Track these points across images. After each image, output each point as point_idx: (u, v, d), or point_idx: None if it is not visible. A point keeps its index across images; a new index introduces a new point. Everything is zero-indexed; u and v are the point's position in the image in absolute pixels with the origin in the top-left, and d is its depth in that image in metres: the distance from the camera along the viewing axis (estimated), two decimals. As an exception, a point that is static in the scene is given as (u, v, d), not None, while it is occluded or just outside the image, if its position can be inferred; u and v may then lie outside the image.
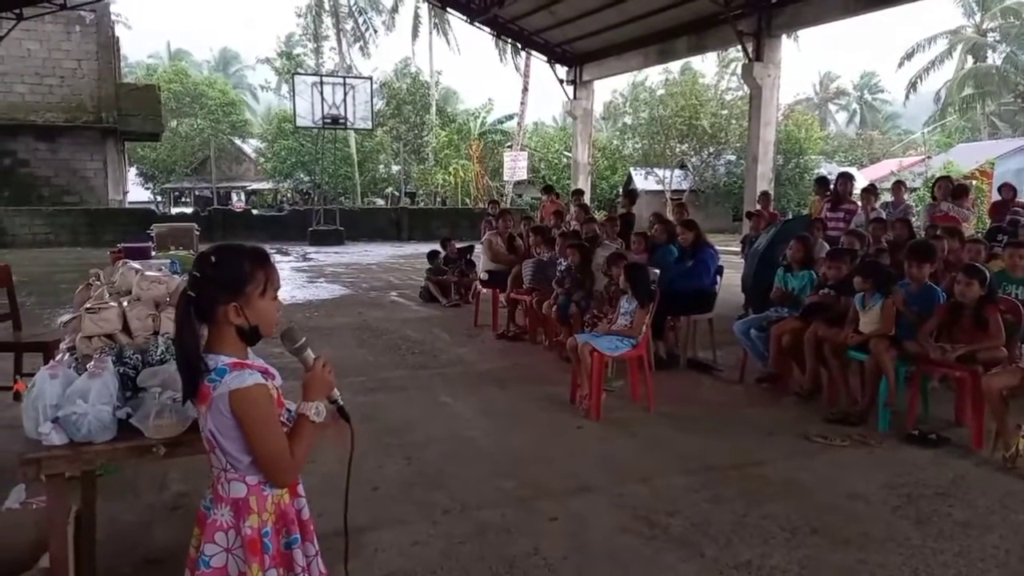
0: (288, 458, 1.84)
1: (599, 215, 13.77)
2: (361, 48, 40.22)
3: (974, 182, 20.41)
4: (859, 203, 9.05)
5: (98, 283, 3.25)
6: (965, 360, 4.66)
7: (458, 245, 11.48)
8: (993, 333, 4.66)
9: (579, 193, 12.15)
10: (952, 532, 3.48)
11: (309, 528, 1.98)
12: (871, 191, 9.05)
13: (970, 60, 41.46)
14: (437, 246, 11.71)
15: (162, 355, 2.43)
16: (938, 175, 15.82)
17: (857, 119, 60.19)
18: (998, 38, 41.15)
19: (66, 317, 2.94)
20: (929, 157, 31.07)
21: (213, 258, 1.84)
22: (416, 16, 38.96)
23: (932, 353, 4.76)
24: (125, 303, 2.79)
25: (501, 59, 35.74)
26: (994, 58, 41.28)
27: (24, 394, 2.22)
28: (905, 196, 9.86)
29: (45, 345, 4.69)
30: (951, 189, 8.75)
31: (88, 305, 2.77)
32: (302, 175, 36.36)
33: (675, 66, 32.71)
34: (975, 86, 39.73)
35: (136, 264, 3.30)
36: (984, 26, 41.68)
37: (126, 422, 2.21)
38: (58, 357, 2.71)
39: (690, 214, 8.58)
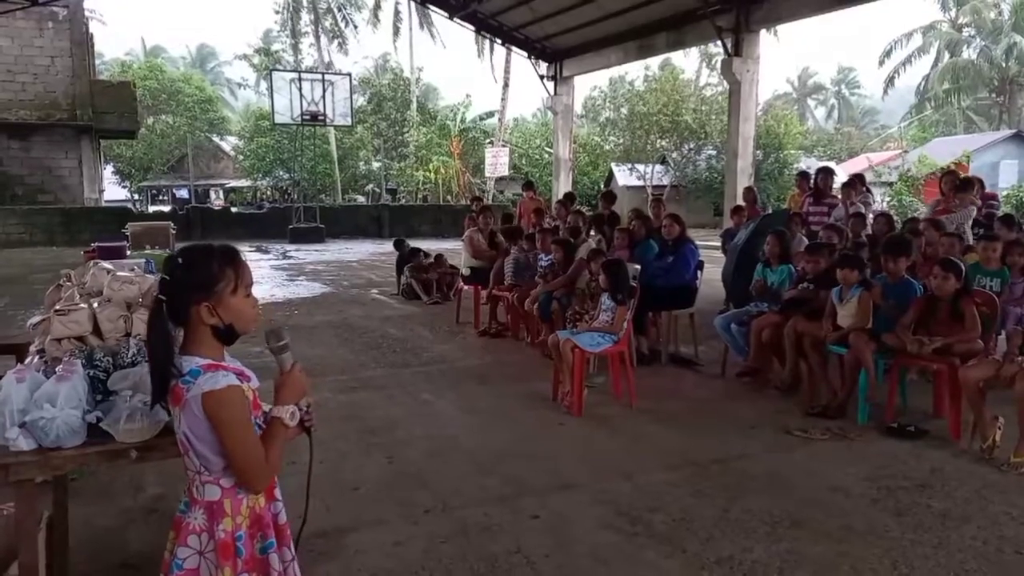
0: (262, 462, 1.82)
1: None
2: (339, 44, 40.00)
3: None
4: (839, 197, 9.08)
5: (69, 284, 3.19)
6: (942, 352, 4.70)
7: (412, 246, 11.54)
8: (969, 326, 4.71)
9: (570, 198, 11.94)
10: (931, 523, 3.51)
11: (286, 533, 1.95)
12: (851, 185, 9.08)
13: (946, 55, 41.97)
14: (404, 241, 11.70)
15: (133, 357, 2.39)
16: (915, 169, 15.89)
17: (836, 114, 60.79)
18: (973, 33, 41.67)
19: (36, 319, 2.88)
20: (906, 151, 31.40)
21: (181, 260, 1.85)
22: (396, 12, 38.81)
23: (910, 346, 4.79)
24: (96, 304, 2.74)
25: (480, 55, 35.73)
26: (969, 53, 41.79)
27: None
28: (864, 190, 9.49)
29: (17, 348, 4.59)
30: (957, 184, 8.28)
31: (58, 307, 2.71)
32: (281, 172, 36.10)
33: (655, 62, 32.82)
34: (951, 81, 40.22)
35: (108, 264, 3.24)
36: (959, 21, 42.19)
37: (96, 426, 2.16)
38: (27, 360, 2.65)
39: (668, 209, 8.57)
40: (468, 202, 19.12)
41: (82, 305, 2.71)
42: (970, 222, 7.54)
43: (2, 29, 20.87)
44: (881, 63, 43.60)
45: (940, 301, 4.83)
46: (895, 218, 9.13)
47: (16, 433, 2.08)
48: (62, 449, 2.12)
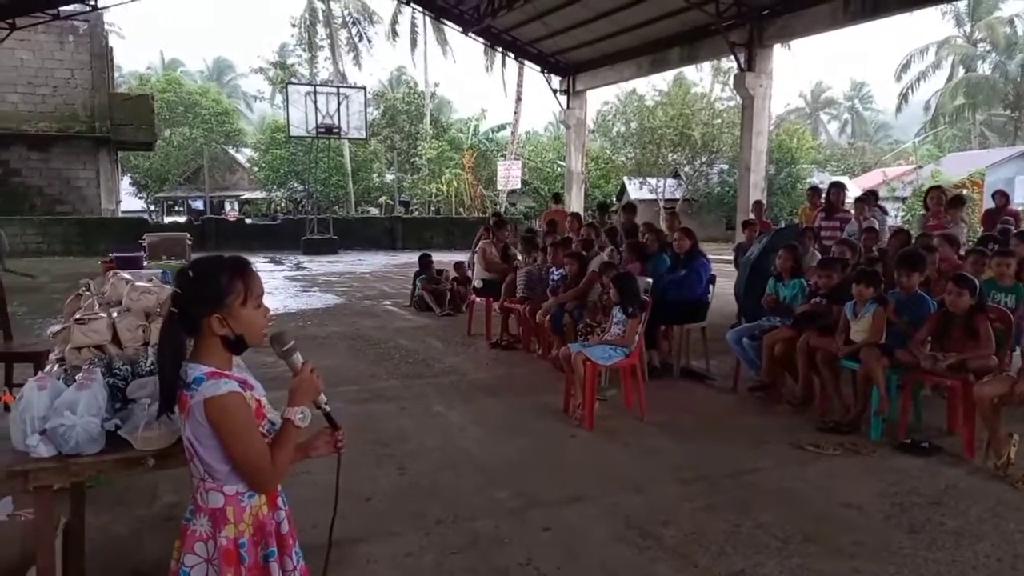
0: (268, 465, 1.84)
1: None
2: (355, 58, 40.34)
3: (964, 191, 20.50)
4: (852, 212, 9.05)
5: (88, 293, 3.24)
6: (956, 369, 4.67)
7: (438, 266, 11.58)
8: (983, 342, 4.68)
9: (603, 207, 12.08)
10: (944, 541, 3.48)
11: (288, 542, 1.96)
12: (864, 200, 9.05)
13: (961, 70, 41.81)
14: (430, 256, 11.73)
15: (151, 366, 2.42)
16: (928, 185, 15.86)
17: (849, 129, 60.60)
18: (988, 48, 41.51)
19: (56, 328, 2.93)
20: (920, 167, 31.26)
21: (191, 272, 1.87)
22: (413, 26, 39.09)
23: (924, 362, 4.77)
24: (115, 314, 2.78)
25: (488, 69, 35.97)
26: (984, 68, 41.62)
27: (12, 405, 2.20)
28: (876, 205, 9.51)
29: (36, 355, 4.67)
30: (946, 200, 8.45)
31: (78, 316, 2.76)
32: (295, 184, 36.35)
33: (668, 76, 32.87)
34: (966, 96, 40.05)
35: (126, 274, 3.29)
36: (974, 36, 42.06)
37: (115, 434, 2.20)
38: (47, 368, 2.69)
39: (682, 223, 8.57)
40: (481, 214, 19.12)
41: (101, 314, 2.76)
42: (961, 239, 7.62)
43: (24, 43, 21.20)
44: (898, 78, 43.55)
45: (954, 317, 4.80)
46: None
47: (36, 440, 2.11)
48: (81, 456, 2.15)
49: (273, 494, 1.93)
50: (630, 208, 10.71)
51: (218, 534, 1.83)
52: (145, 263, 8.64)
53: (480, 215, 29.10)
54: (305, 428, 1.95)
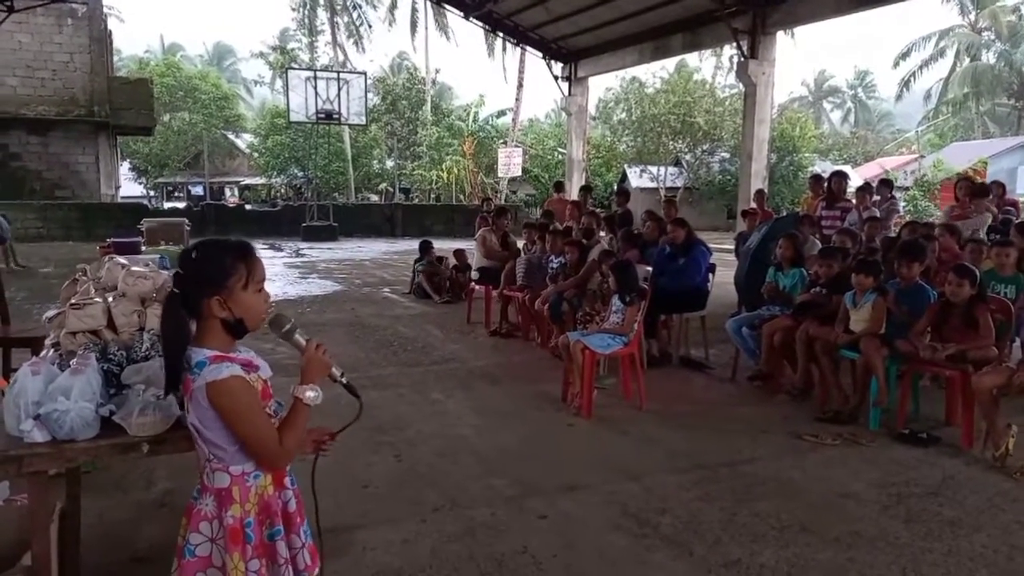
0: (275, 444, 1.86)
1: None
2: (356, 43, 40.12)
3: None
4: (853, 201, 9.02)
5: (84, 278, 3.22)
6: (956, 359, 4.66)
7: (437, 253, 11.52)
8: (983, 332, 4.67)
9: (587, 189, 12.05)
10: (941, 531, 3.48)
11: (295, 521, 1.97)
12: (866, 190, 9.02)
13: (965, 59, 41.59)
14: (430, 242, 11.69)
15: (147, 352, 2.41)
16: (930, 174, 15.90)
17: (852, 117, 60.37)
18: (992, 37, 41.27)
19: (51, 313, 2.91)
20: (922, 156, 31.15)
21: (194, 254, 1.89)
22: (413, 10, 38.87)
23: (923, 352, 4.76)
24: (110, 299, 2.76)
25: (490, 55, 35.79)
26: (988, 57, 41.40)
27: (5, 391, 2.19)
28: (892, 194, 9.67)
29: (33, 341, 4.64)
30: (972, 189, 8.40)
31: (73, 301, 2.74)
32: (295, 170, 36.24)
33: (670, 63, 32.71)
34: (970, 85, 39.88)
35: (123, 259, 3.26)
36: (979, 24, 41.81)
37: (109, 419, 2.19)
38: (42, 353, 2.68)
39: (679, 211, 8.54)
40: (479, 202, 19.11)
41: (97, 299, 2.74)
42: (985, 228, 7.52)
43: (22, 26, 21.06)
44: (896, 65, 43.35)
45: (954, 307, 4.79)
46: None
47: (30, 425, 2.10)
48: (75, 441, 2.14)
49: (280, 474, 1.95)
50: (623, 193, 10.60)
51: (224, 514, 1.84)
52: (143, 248, 8.63)
53: (479, 202, 29.05)
54: (318, 407, 1.95)
